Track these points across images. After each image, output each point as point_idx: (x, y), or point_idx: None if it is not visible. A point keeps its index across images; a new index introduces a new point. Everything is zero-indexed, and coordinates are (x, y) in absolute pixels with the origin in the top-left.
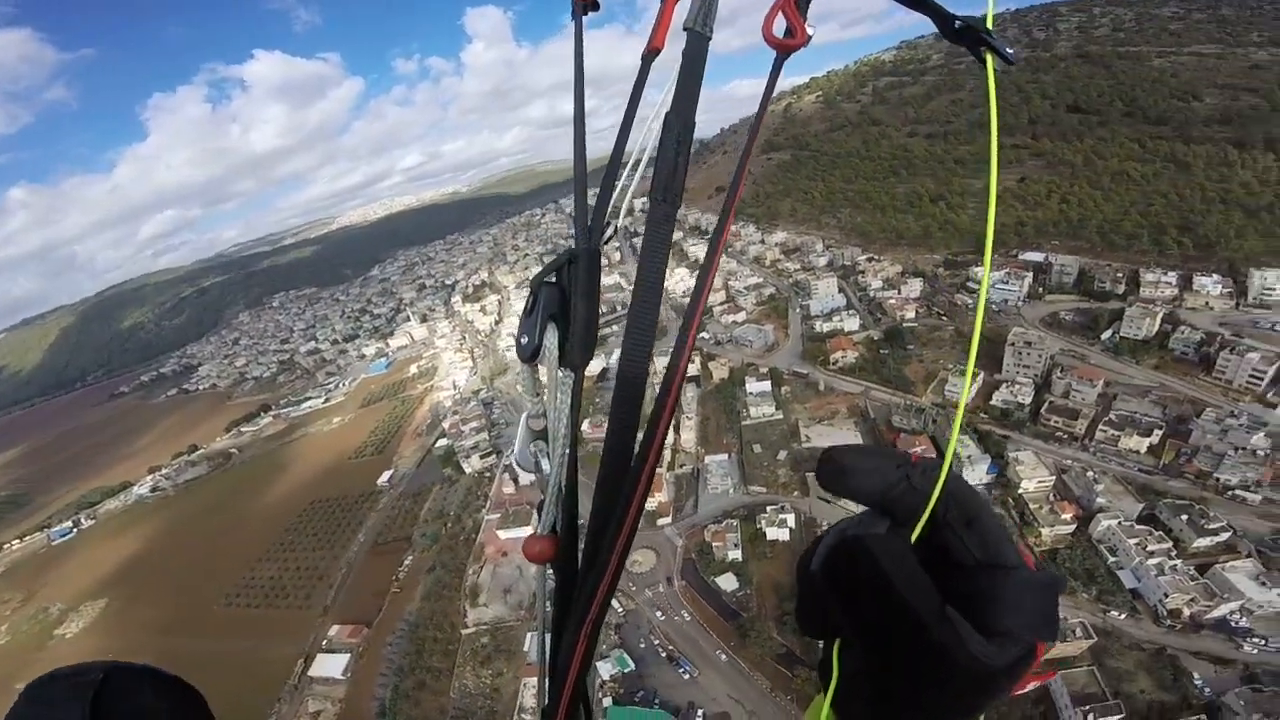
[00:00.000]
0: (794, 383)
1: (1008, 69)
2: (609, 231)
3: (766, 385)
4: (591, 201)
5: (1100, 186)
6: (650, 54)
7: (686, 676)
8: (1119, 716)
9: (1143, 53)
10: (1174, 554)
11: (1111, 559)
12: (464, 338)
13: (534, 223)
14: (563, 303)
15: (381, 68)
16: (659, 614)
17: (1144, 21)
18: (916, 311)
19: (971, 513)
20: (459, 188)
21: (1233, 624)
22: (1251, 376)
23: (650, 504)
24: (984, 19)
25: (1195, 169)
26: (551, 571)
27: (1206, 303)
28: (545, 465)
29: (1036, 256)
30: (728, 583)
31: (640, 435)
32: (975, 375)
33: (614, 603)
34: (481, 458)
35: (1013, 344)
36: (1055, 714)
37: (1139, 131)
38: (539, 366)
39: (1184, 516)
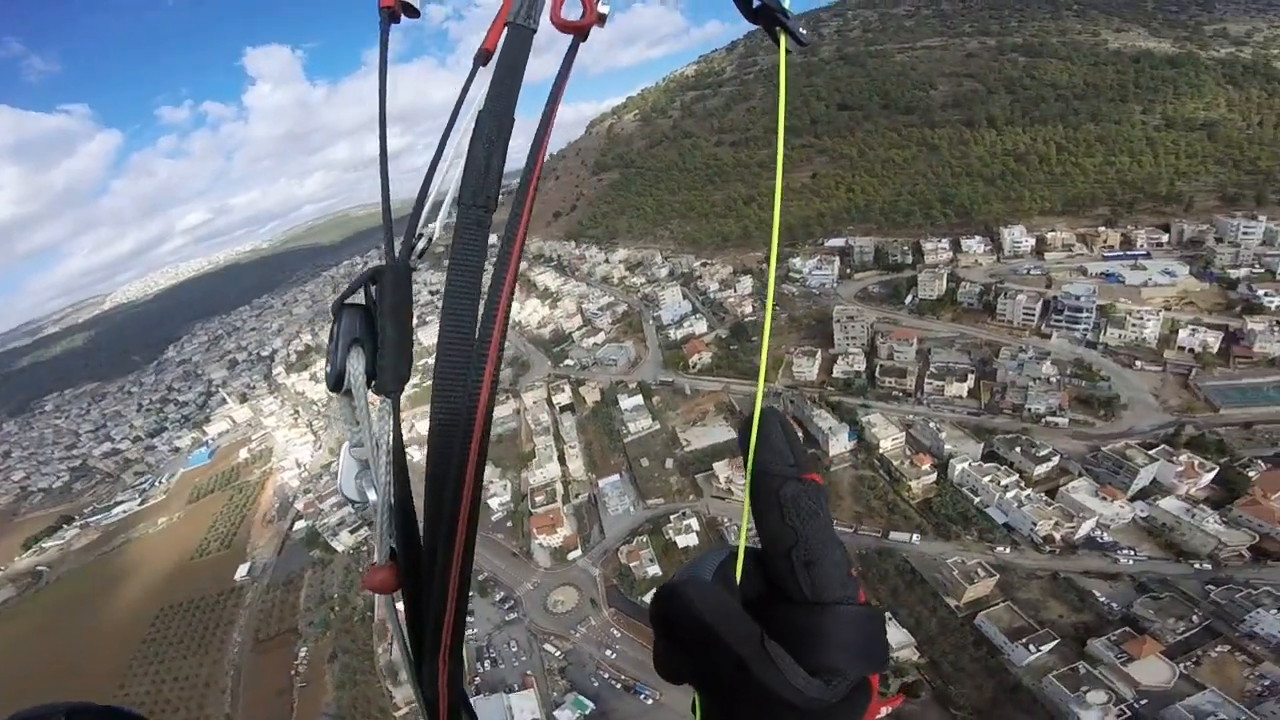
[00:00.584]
0: (663, 392)
1: (801, 56)
2: (421, 244)
3: (639, 399)
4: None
5: (875, 174)
6: (482, 55)
7: (650, 701)
8: (1054, 641)
9: (887, 50)
10: (1022, 484)
11: (976, 499)
12: (297, 411)
13: (356, 273)
14: (369, 325)
15: (143, 117)
16: (602, 650)
17: (886, 21)
18: (752, 306)
19: (813, 555)
20: (259, 244)
21: (1099, 540)
22: (1024, 315)
23: (555, 539)
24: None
25: (941, 149)
26: (402, 600)
27: (975, 260)
28: (371, 496)
29: (839, 242)
30: None
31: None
32: (813, 353)
33: (550, 647)
34: (352, 532)
35: (838, 320)
36: (996, 650)
37: (895, 122)
38: (349, 396)
39: (1017, 449)
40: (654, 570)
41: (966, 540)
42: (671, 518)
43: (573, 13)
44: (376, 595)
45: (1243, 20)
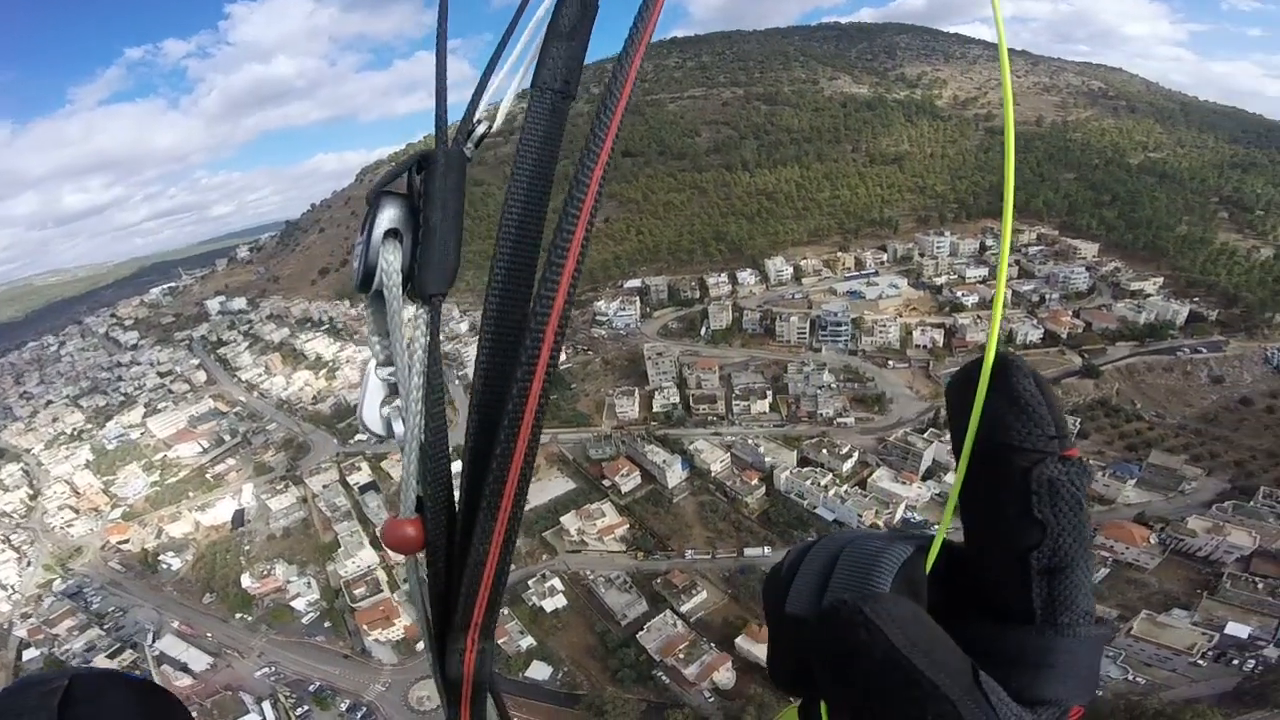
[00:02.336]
0: None
1: (588, 105)
2: (480, 129)
3: (458, 465)
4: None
5: (659, 216)
6: None
7: None
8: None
9: (661, 99)
10: (838, 482)
11: (804, 502)
12: None
13: (48, 356)
14: (410, 217)
15: None
16: None
17: (660, 72)
18: (566, 354)
19: (1062, 560)
20: None
21: (912, 520)
22: (798, 334)
23: (394, 632)
24: None
25: (709, 191)
26: (425, 563)
27: (750, 290)
28: (398, 428)
29: (636, 282)
30: (539, 672)
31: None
32: (631, 392)
33: None
34: (110, 657)
35: (649, 358)
36: None
37: (670, 167)
38: (380, 299)
39: (824, 451)
40: (527, 642)
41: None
42: (530, 582)
43: None
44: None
45: (916, 64)
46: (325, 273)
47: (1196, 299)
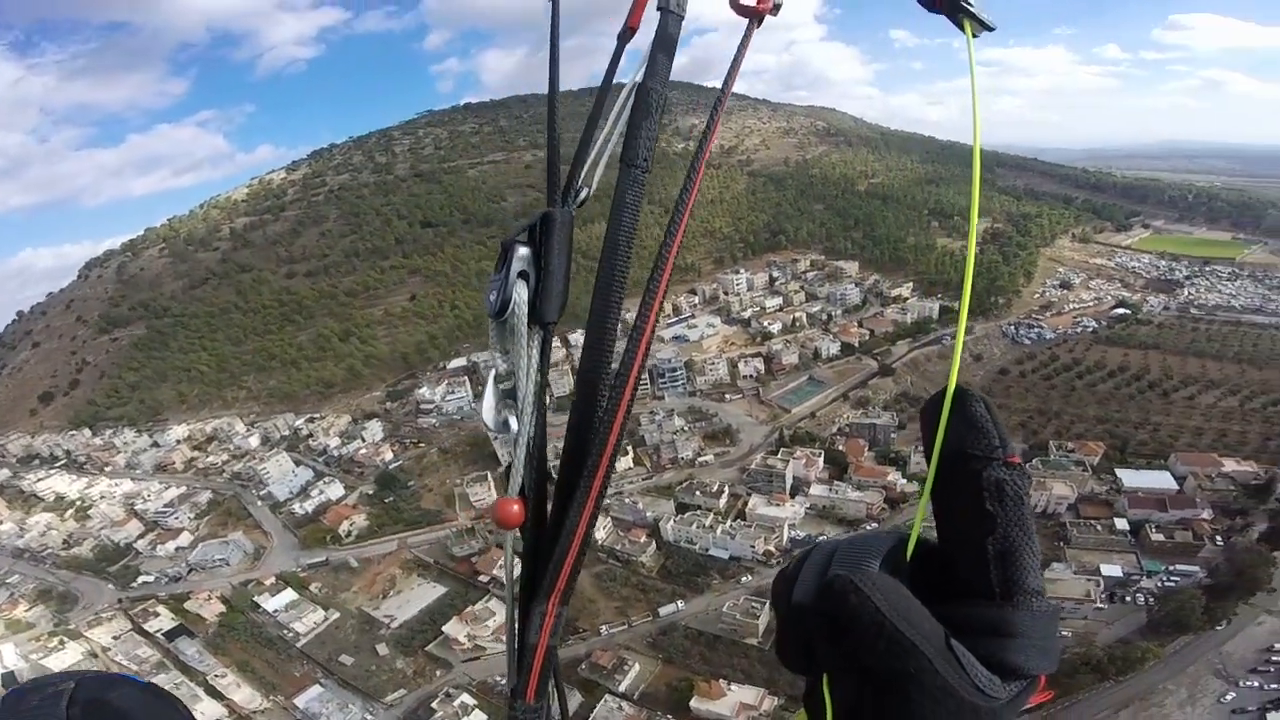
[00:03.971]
0: (320, 575)
1: (375, 176)
2: (583, 194)
3: (289, 594)
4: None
5: (475, 287)
6: (626, 33)
7: None
8: None
9: (460, 166)
10: (720, 519)
11: (696, 547)
12: None
13: None
14: (534, 261)
15: None
16: None
17: (455, 139)
18: (393, 450)
19: (1011, 545)
20: None
21: (797, 538)
22: (641, 386)
23: None
24: None
25: None
26: (520, 539)
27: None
28: (513, 424)
29: (461, 361)
30: None
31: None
32: (484, 478)
33: None
34: None
35: (496, 439)
36: None
37: (478, 235)
38: (508, 324)
39: (696, 493)
40: None
41: (715, 585)
42: (434, 704)
43: None
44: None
45: (687, 117)
46: (49, 398)
47: (939, 295)
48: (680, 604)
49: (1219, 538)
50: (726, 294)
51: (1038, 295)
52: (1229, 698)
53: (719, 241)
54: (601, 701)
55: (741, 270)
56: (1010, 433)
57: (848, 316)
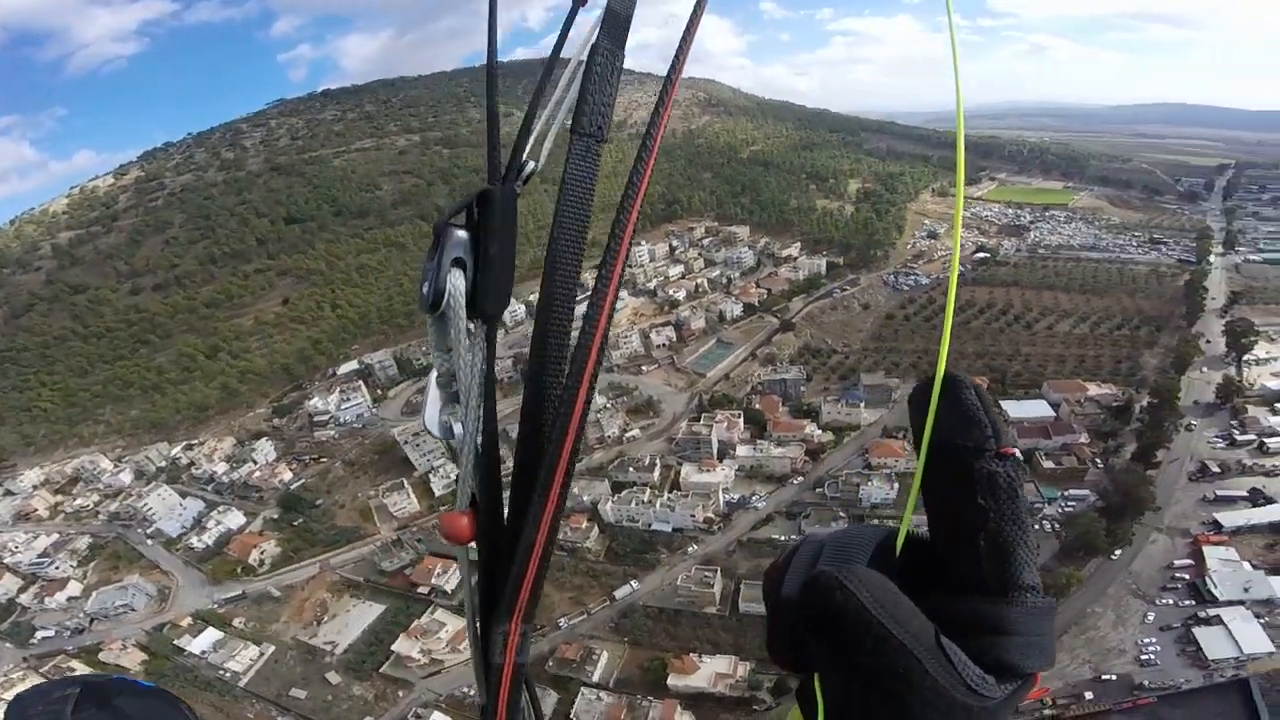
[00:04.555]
0: (242, 609)
1: (224, 174)
2: (528, 168)
3: (213, 633)
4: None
5: (357, 283)
6: None
7: None
8: None
9: (324, 155)
10: (656, 493)
11: (639, 524)
12: None
13: None
14: (472, 246)
15: None
16: None
17: (314, 127)
18: (292, 469)
19: (1005, 539)
20: None
21: (732, 501)
22: None
23: None
24: None
25: (408, 245)
26: (475, 553)
27: (502, 341)
28: (458, 430)
29: (352, 365)
30: None
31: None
32: (400, 485)
33: None
34: None
35: (406, 442)
36: None
37: (353, 227)
38: (445, 318)
39: (629, 470)
40: None
41: (664, 559)
42: None
43: None
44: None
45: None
46: None
47: (824, 252)
48: (634, 584)
49: (1098, 460)
50: (631, 266)
51: (910, 246)
52: (1150, 617)
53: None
54: (579, 695)
55: (643, 242)
56: (899, 373)
57: (745, 278)
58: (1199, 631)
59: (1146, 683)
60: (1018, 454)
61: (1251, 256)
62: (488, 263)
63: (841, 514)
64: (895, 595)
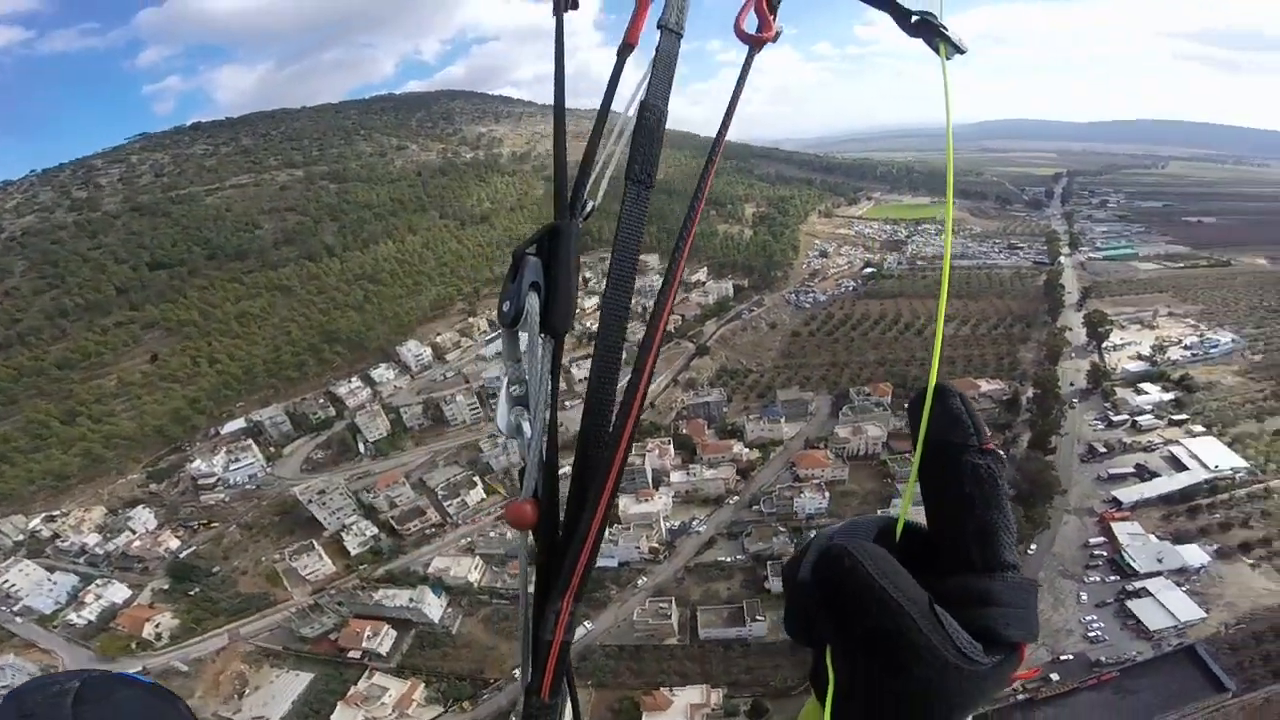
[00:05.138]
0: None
1: (73, 215)
2: (589, 207)
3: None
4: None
5: (237, 334)
6: (625, 48)
7: None
8: None
9: (194, 193)
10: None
11: None
12: None
13: None
14: (544, 272)
15: None
16: None
17: (182, 163)
18: (178, 538)
19: (989, 524)
20: None
21: (674, 528)
22: (471, 412)
23: None
24: (938, 12)
25: (295, 289)
26: (533, 540)
27: (395, 386)
28: (527, 430)
29: (239, 423)
30: None
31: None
32: (310, 547)
33: None
34: None
35: (310, 501)
36: None
37: (230, 271)
38: (519, 333)
39: None
40: None
41: (615, 594)
42: None
43: (751, 26)
44: (512, 530)
45: (473, 126)
46: None
47: (729, 275)
48: (588, 625)
49: (1000, 451)
50: None
51: (805, 265)
52: (1084, 597)
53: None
54: None
55: None
56: (813, 387)
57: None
58: (1133, 605)
59: (1103, 658)
60: (997, 449)
61: (1093, 255)
62: (556, 287)
63: (780, 528)
64: (894, 565)
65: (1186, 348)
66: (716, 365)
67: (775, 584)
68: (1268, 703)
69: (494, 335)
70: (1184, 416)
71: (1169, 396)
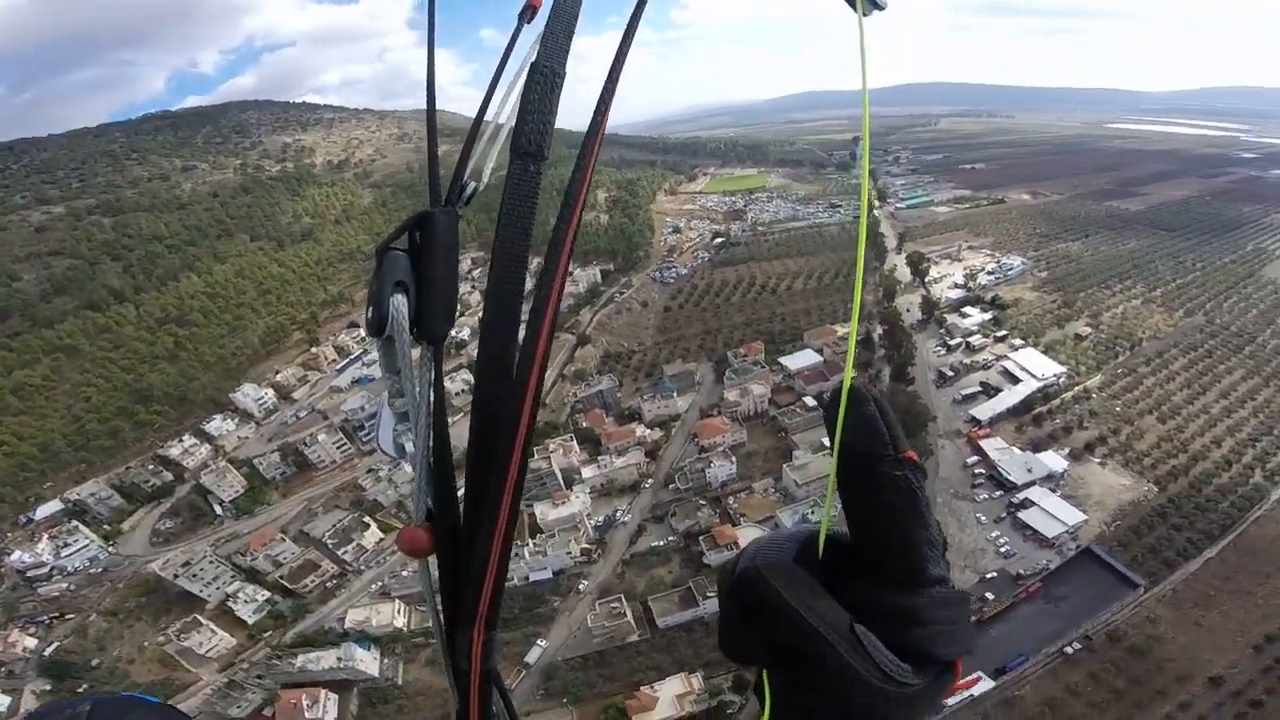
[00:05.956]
0: None
1: None
2: (469, 189)
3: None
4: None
5: (18, 410)
6: (527, 11)
7: None
8: None
9: None
10: (519, 542)
11: (516, 579)
12: None
13: None
14: (414, 269)
15: None
16: None
17: None
18: (33, 636)
19: (909, 536)
20: None
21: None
22: (340, 451)
23: None
24: None
25: (82, 348)
26: (436, 564)
27: (241, 437)
28: (410, 448)
29: (53, 507)
30: None
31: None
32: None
33: None
34: None
35: (174, 576)
36: None
37: None
38: (391, 341)
39: None
40: None
41: (560, 604)
42: None
43: None
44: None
45: (276, 137)
46: None
47: (595, 262)
48: (541, 643)
49: (918, 460)
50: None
51: (662, 243)
52: (981, 517)
53: (365, 262)
54: None
55: None
56: (690, 358)
57: (528, 302)
58: (1024, 516)
59: (1021, 571)
60: (916, 458)
61: (898, 206)
62: (430, 285)
63: (701, 501)
64: (809, 585)
65: (990, 273)
66: (600, 352)
67: (713, 557)
68: (1176, 593)
69: (345, 363)
70: (1004, 332)
71: (988, 316)
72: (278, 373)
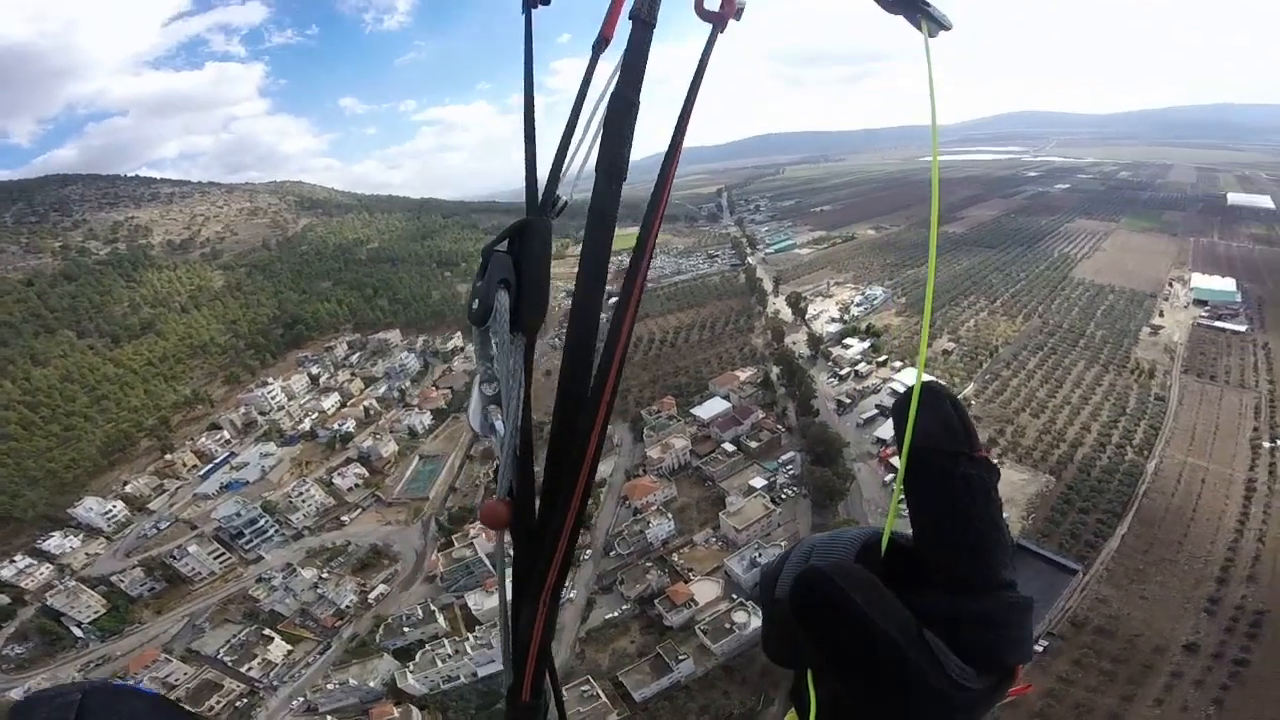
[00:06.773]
0: None
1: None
2: (560, 203)
3: None
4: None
5: None
6: (600, 43)
7: None
8: None
9: None
10: (457, 638)
11: (462, 677)
12: None
13: None
14: (514, 269)
15: None
16: None
17: None
18: None
19: (982, 539)
20: None
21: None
22: (217, 560)
23: None
24: None
25: None
26: (510, 539)
27: (90, 553)
28: (499, 428)
29: None
30: None
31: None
32: None
33: None
34: None
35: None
36: None
37: None
38: (490, 331)
39: (405, 630)
40: None
41: None
42: None
43: (712, 4)
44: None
45: (104, 214)
46: None
47: None
48: None
49: (779, 426)
50: (263, 413)
51: (557, 307)
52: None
53: (220, 356)
54: None
55: (270, 379)
56: (612, 418)
57: (418, 384)
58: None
59: None
60: (990, 458)
61: (768, 250)
62: (527, 284)
63: (647, 563)
64: (879, 588)
65: (858, 304)
66: None
67: (673, 618)
68: (1110, 572)
69: (209, 468)
70: (884, 357)
71: (867, 344)
72: (126, 483)
